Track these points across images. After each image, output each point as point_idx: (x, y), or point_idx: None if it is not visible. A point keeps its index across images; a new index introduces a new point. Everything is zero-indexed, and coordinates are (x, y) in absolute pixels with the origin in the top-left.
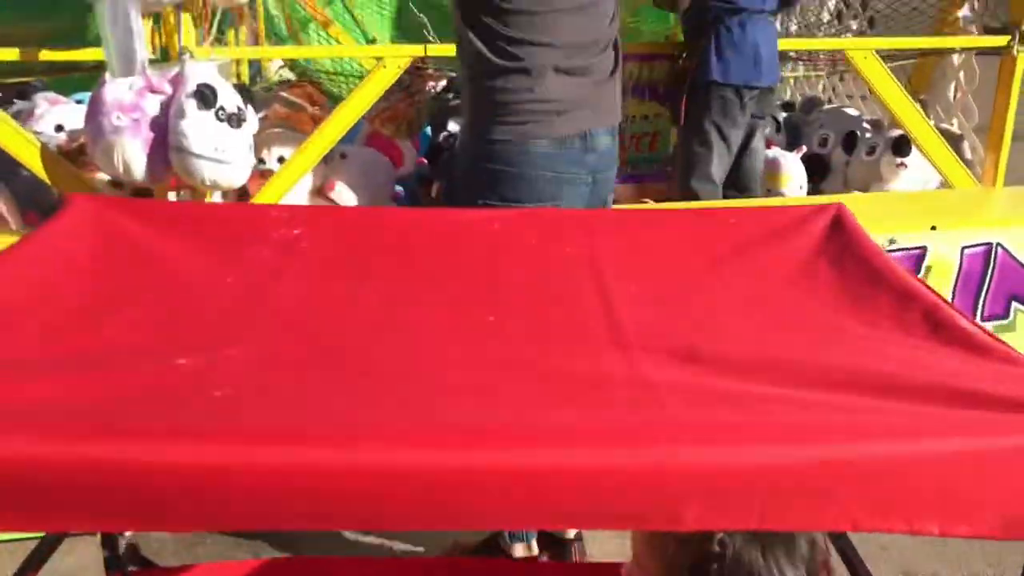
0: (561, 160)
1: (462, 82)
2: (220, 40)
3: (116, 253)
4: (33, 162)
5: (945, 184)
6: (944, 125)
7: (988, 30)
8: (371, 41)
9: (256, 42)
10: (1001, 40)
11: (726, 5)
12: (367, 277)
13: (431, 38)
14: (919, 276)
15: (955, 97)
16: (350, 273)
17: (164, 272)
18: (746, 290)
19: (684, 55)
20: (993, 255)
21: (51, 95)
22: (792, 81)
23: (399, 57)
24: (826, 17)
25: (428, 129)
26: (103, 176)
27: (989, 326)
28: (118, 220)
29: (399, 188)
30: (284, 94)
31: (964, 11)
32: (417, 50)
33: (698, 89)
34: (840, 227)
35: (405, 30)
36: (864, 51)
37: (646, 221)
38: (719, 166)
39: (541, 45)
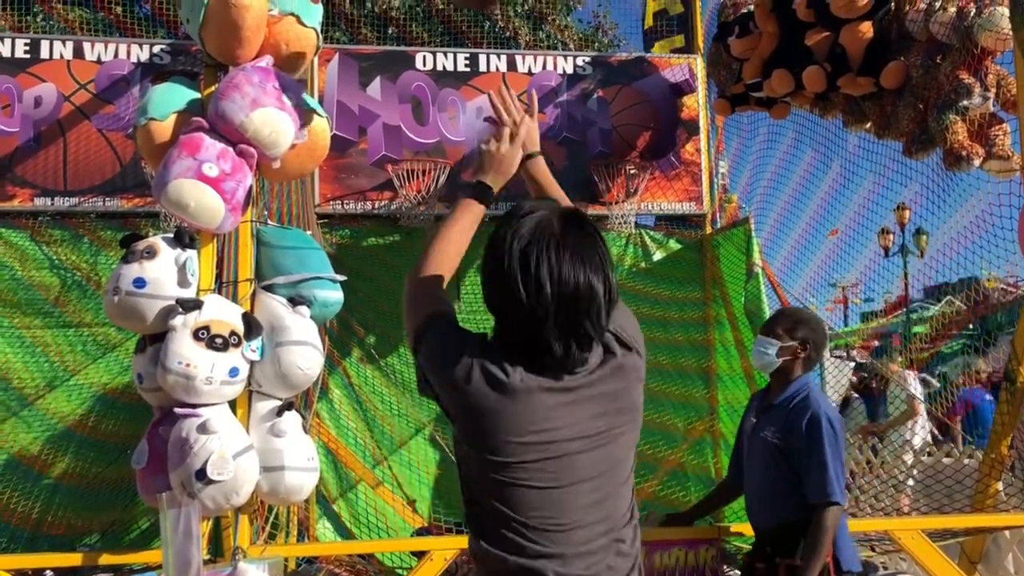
0: None
1: None
2: (273, 536)
3: None
4: None
5: None
6: None
7: None
8: (411, 502)
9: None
10: None
11: None
12: None
13: None
14: None
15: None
16: None
17: None
18: None
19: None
20: None
21: None
22: None
23: (445, 550)
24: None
25: None
26: None
27: None
28: None
29: None
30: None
31: (1000, 485)
32: (464, 542)
33: None
34: None
35: (445, 492)
36: (911, 531)
37: None
38: None
39: None
